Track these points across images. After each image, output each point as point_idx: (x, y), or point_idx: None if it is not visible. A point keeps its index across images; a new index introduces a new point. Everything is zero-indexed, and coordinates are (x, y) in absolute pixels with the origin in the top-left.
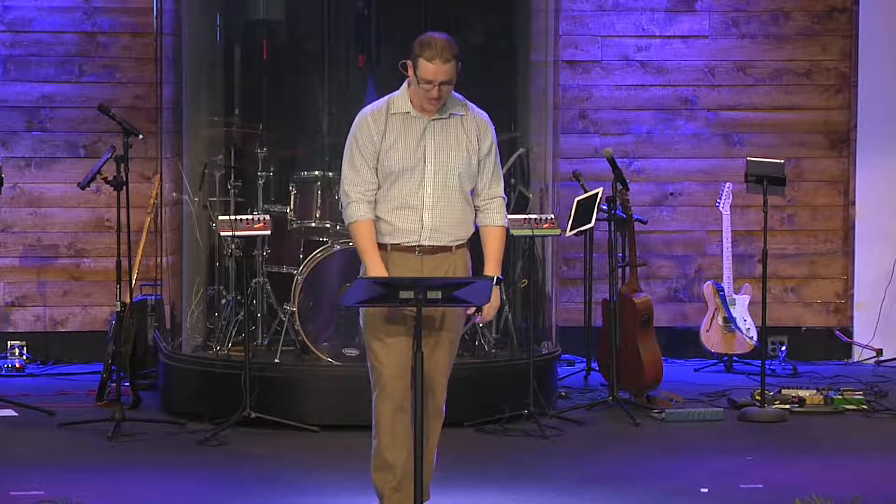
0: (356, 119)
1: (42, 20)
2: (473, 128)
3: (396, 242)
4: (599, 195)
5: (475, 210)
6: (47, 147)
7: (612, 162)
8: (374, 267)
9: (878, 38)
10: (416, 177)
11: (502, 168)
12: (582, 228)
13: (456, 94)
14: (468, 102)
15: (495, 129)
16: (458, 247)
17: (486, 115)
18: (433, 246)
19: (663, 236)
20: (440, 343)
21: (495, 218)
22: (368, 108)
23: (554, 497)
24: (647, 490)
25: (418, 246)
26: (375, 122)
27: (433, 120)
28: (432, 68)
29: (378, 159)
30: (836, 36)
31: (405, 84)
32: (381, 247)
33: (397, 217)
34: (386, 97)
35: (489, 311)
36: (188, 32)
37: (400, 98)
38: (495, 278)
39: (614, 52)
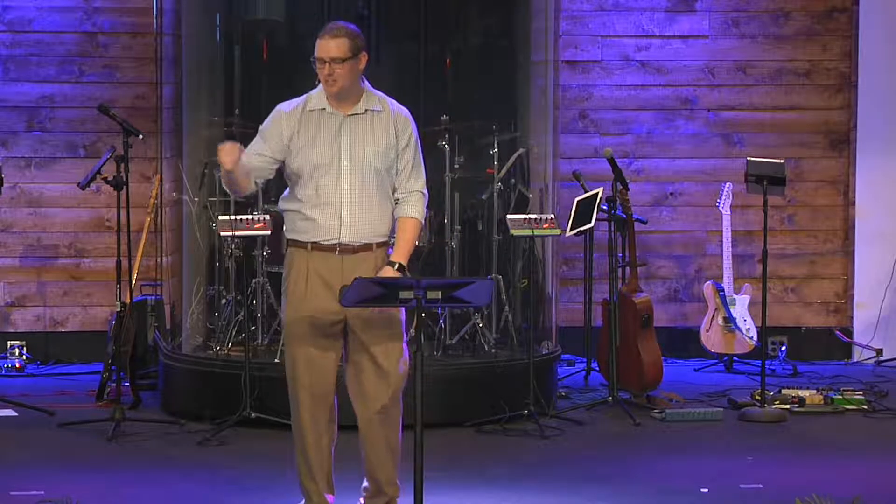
0: (272, 112)
1: (42, 20)
2: (391, 122)
3: (316, 241)
4: (599, 195)
5: (394, 204)
6: (47, 147)
7: (612, 162)
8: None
9: (878, 38)
10: (333, 173)
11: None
12: (582, 228)
13: (376, 91)
14: (389, 99)
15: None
16: (378, 245)
17: (408, 111)
18: (353, 245)
19: (663, 236)
20: (372, 345)
21: (409, 210)
22: (286, 103)
23: (554, 497)
24: (647, 490)
25: (338, 244)
26: (288, 119)
27: (349, 115)
28: (321, 44)
29: (289, 155)
30: (836, 36)
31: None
32: (302, 245)
33: (317, 213)
34: (305, 95)
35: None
36: (188, 32)
37: (316, 96)
38: (397, 264)
39: (614, 52)
